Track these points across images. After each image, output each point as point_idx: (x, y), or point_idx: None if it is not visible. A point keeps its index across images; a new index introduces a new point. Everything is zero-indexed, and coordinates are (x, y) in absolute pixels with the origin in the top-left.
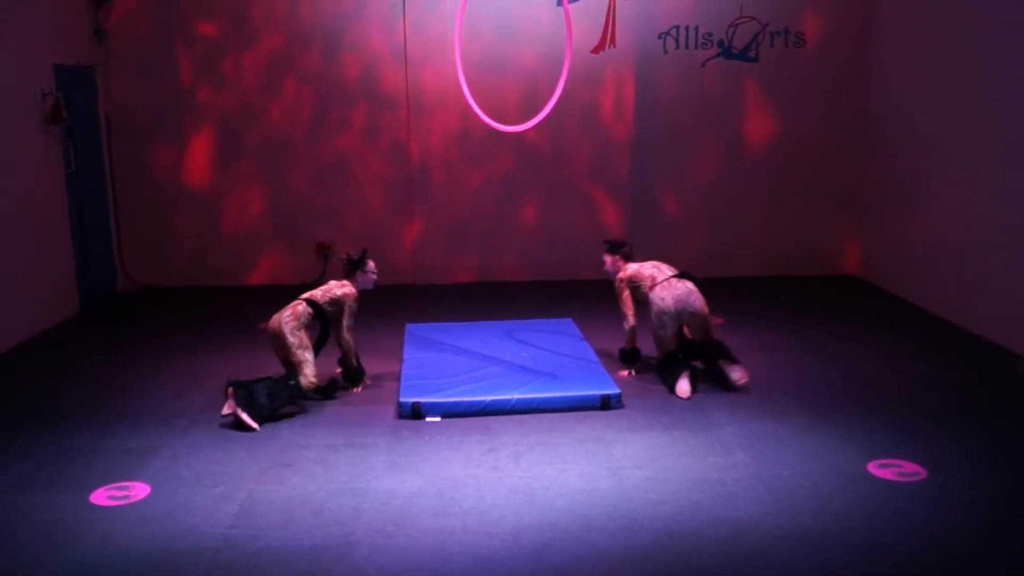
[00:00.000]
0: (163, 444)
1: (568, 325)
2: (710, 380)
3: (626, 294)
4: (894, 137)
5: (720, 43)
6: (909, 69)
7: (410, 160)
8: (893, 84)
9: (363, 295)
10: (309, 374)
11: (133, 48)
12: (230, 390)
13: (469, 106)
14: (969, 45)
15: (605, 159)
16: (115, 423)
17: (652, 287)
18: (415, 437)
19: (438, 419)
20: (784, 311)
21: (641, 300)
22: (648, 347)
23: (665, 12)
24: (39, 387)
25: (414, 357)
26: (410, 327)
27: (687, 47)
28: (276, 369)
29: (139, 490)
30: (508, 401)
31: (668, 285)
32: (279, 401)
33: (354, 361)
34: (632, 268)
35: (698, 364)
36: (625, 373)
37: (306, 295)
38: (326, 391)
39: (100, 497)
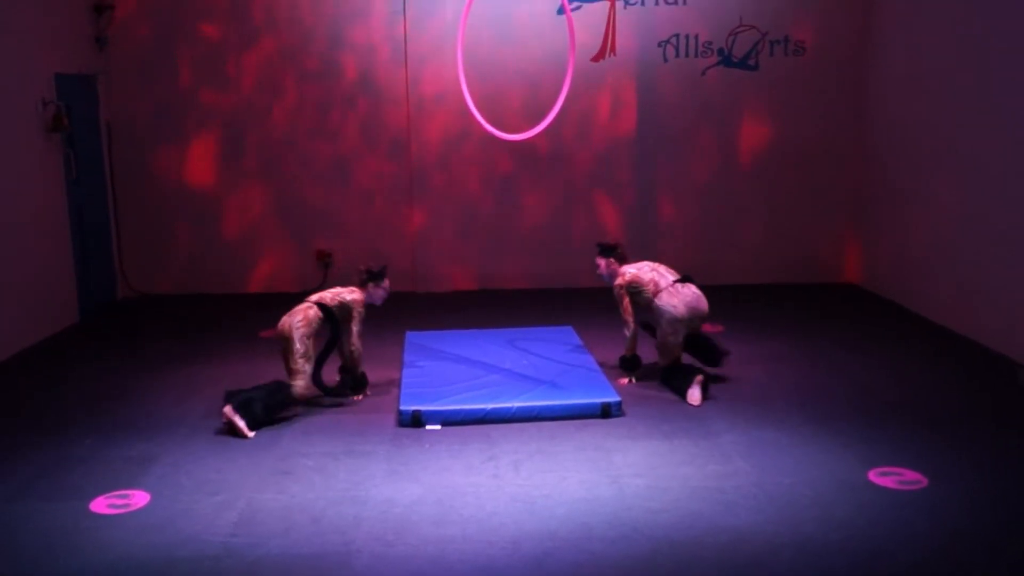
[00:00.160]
0: (163, 452)
1: (568, 333)
2: (712, 387)
3: (627, 301)
4: (893, 145)
5: (720, 51)
6: (908, 77)
7: (410, 160)
8: (892, 92)
9: (366, 305)
10: (300, 385)
11: (133, 53)
12: (228, 408)
13: (471, 113)
14: (968, 55)
15: (605, 166)
16: (115, 431)
17: (656, 293)
18: (415, 445)
19: (438, 427)
20: (785, 319)
21: (643, 305)
22: (647, 353)
23: (665, 21)
24: (39, 395)
25: (414, 365)
26: (410, 335)
27: (687, 55)
28: (277, 375)
29: (139, 498)
30: (508, 409)
31: (675, 291)
32: (273, 409)
33: (360, 368)
34: (630, 273)
35: (694, 362)
36: (625, 381)
37: (315, 297)
38: (328, 391)
39: (100, 505)
